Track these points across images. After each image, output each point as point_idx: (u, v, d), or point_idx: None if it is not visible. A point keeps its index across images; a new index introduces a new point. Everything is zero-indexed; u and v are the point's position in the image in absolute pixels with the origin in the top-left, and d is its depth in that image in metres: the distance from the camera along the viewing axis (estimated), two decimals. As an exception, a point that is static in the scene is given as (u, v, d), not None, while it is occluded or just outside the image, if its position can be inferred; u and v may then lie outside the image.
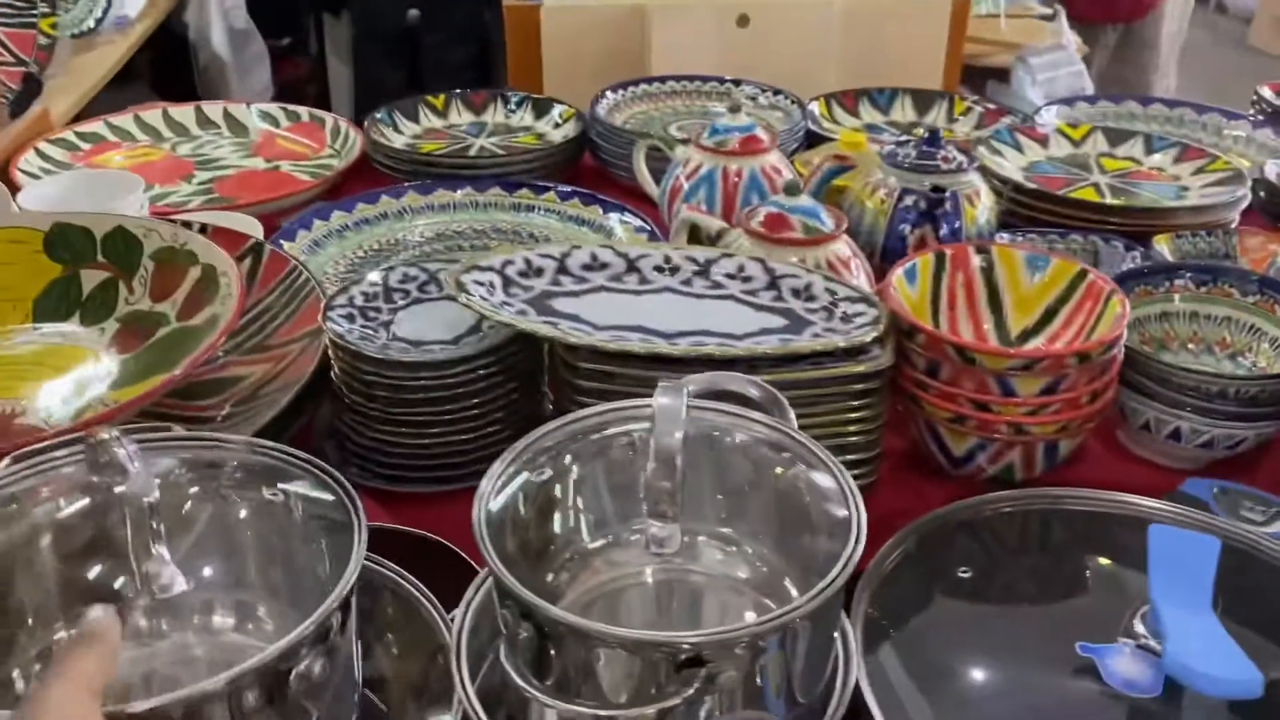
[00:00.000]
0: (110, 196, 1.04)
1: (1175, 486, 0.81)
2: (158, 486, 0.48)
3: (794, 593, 0.55)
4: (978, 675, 0.65)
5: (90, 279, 0.89)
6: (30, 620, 0.50)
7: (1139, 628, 0.64)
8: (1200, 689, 0.57)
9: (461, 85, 1.41)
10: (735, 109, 1.09)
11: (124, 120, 1.37)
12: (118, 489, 0.48)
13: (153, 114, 1.40)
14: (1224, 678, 0.56)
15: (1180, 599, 0.63)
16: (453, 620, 0.56)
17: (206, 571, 0.53)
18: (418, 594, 0.61)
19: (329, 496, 0.51)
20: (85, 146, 1.32)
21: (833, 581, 0.48)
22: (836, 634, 0.54)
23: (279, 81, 2.96)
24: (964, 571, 0.72)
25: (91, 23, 1.72)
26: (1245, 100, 1.53)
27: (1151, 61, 2.63)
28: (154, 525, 0.48)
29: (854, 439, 0.76)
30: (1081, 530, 0.76)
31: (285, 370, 0.83)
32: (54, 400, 0.80)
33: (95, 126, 1.35)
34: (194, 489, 0.53)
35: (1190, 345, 0.90)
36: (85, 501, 0.51)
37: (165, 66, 2.57)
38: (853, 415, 0.76)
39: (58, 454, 0.52)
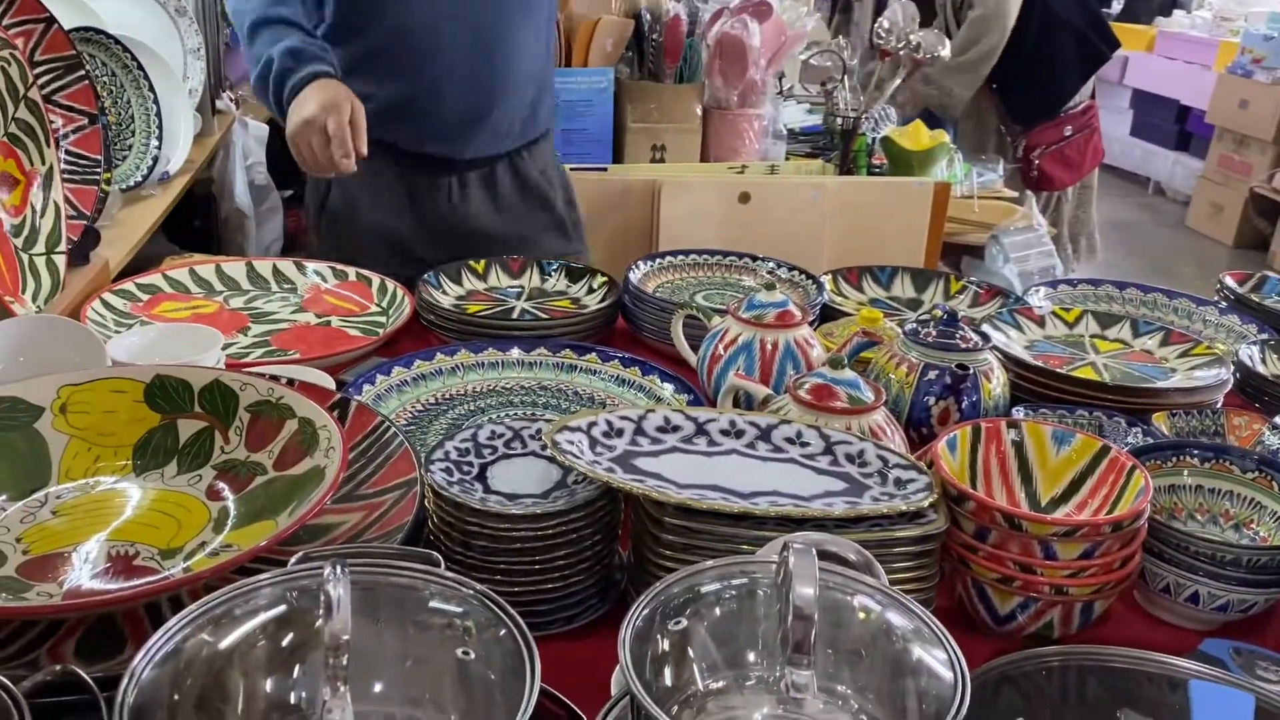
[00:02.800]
0: (190, 349, 1.11)
1: (1191, 645, 0.88)
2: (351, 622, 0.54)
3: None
4: (1038, 820, 0.71)
5: (187, 428, 0.95)
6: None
7: (1186, 778, 0.70)
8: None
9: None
10: (770, 286, 1.20)
11: (180, 274, 1.45)
12: (319, 623, 0.53)
13: (206, 268, 1.48)
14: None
15: (1224, 749, 0.70)
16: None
17: (377, 688, 0.58)
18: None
19: (500, 629, 0.58)
20: (144, 298, 1.39)
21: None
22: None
23: (285, 230, 3.08)
24: (1019, 722, 0.78)
25: (139, 177, 1.81)
26: (1184, 275, 1.68)
27: (1092, 200, 3.28)
28: (344, 662, 0.53)
29: (911, 596, 0.83)
30: (1117, 685, 0.83)
31: (380, 519, 0.88)
32: (162, 543, 0.85)
33: (153, 279, 1.43)
34: (374, 611, 0.59)
35: (1197, 515, 0.99)
36: (289, 628, 0.56)
37: (179, 216, 2.67)
38: (910, 574, 0.83)
39: (262, 579, 0.58)
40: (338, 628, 0.52)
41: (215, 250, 2.45)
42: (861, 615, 0.63)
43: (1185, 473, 1.00)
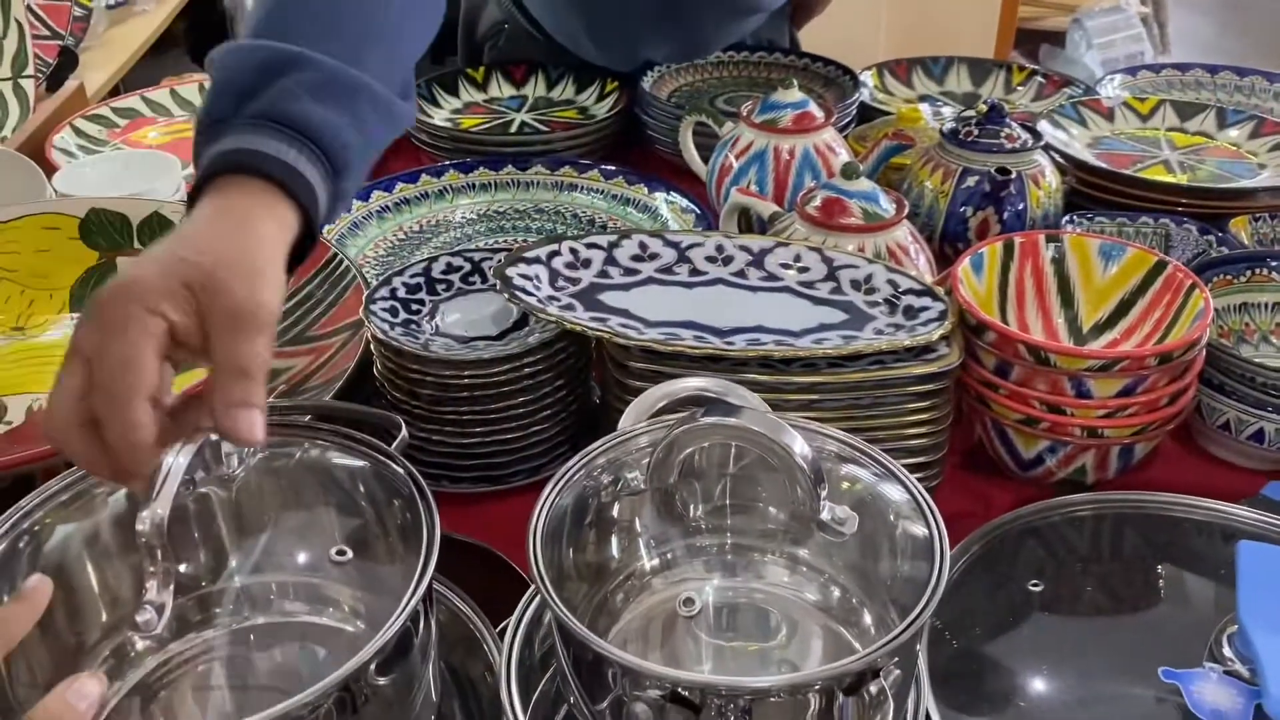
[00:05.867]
0: (147, 177, 1.02)
1: (1255, 489, 0.77)
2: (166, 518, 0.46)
3: (867, 618, 0.52)
4: (1049, 696, 0.62)
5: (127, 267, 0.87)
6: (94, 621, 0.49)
7: (1226, 651, 0.60)
8: (1301, 728, 0.54)
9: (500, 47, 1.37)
10: (787, 84, 1.05)
11: (160, 95, 1.35)
12: (141, 512, 0.45)
13: (189, 88, 1.37)
14: (1330, 719, 0.52)
15: (1272, 623, 0.59)
16: (501, 635, 0.54)
17: (285, 557, 0.53)
18: (466, 607, 0.59)
19: (400, 487, 0.50)
20: (122, 123, 1.29)
21: (921, 612, 0.45)
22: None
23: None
24: (1034, 584, 0.68)
25: (126, -8, 1.69)
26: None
27: None
28: (159, 555, 0.45)
29: (918, 440, 0.72)
30: (1159, 538, 0.72)
31: (327, 364, 0.80)
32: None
33: (131, 102, 1.33)
34: (264, 473, 0.52)
35: (1272, 338, 0.85)
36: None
37: (202, 33, 2.55)
38: (917, 416, 0.72)
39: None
40: (159, 515, 0.44)
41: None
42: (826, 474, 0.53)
43: (1261, 289, 0.85)
